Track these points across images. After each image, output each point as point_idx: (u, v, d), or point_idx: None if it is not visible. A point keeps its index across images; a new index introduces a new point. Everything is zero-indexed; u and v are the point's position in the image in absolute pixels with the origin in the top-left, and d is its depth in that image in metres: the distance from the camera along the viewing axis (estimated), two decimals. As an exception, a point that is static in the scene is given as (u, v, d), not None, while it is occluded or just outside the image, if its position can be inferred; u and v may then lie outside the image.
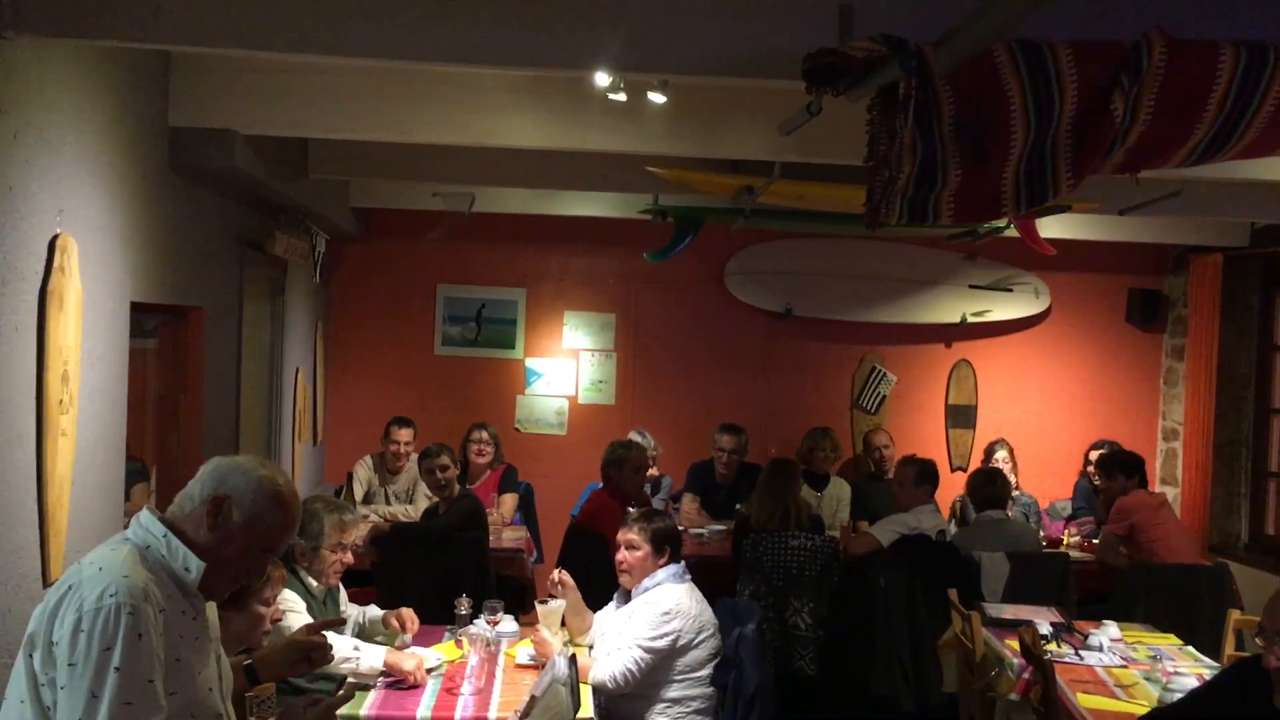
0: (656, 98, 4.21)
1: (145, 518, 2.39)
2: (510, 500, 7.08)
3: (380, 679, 3.90)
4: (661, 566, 4.33)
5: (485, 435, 7.17)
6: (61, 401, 3.34)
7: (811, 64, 2.76)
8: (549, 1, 3.09)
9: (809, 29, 2.99)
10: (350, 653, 3.83)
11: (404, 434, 7.08)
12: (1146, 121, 2.74)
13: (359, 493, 7.03)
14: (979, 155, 2.76)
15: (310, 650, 3.16)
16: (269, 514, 2.44)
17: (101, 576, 2.23)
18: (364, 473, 7.09)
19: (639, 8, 3.10)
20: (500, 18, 3.10)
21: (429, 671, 4.01)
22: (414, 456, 7.07)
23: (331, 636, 3.67)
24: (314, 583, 4.15)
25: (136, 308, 4.17)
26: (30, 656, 2.23)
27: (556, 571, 4.52)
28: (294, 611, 3.82)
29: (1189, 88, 2.71)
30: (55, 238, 3.32)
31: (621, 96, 4.11)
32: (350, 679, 3.86)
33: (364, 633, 4.40)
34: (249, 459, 2.50)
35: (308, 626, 3.38)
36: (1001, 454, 7.63)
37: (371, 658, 3.88)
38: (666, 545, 4.35)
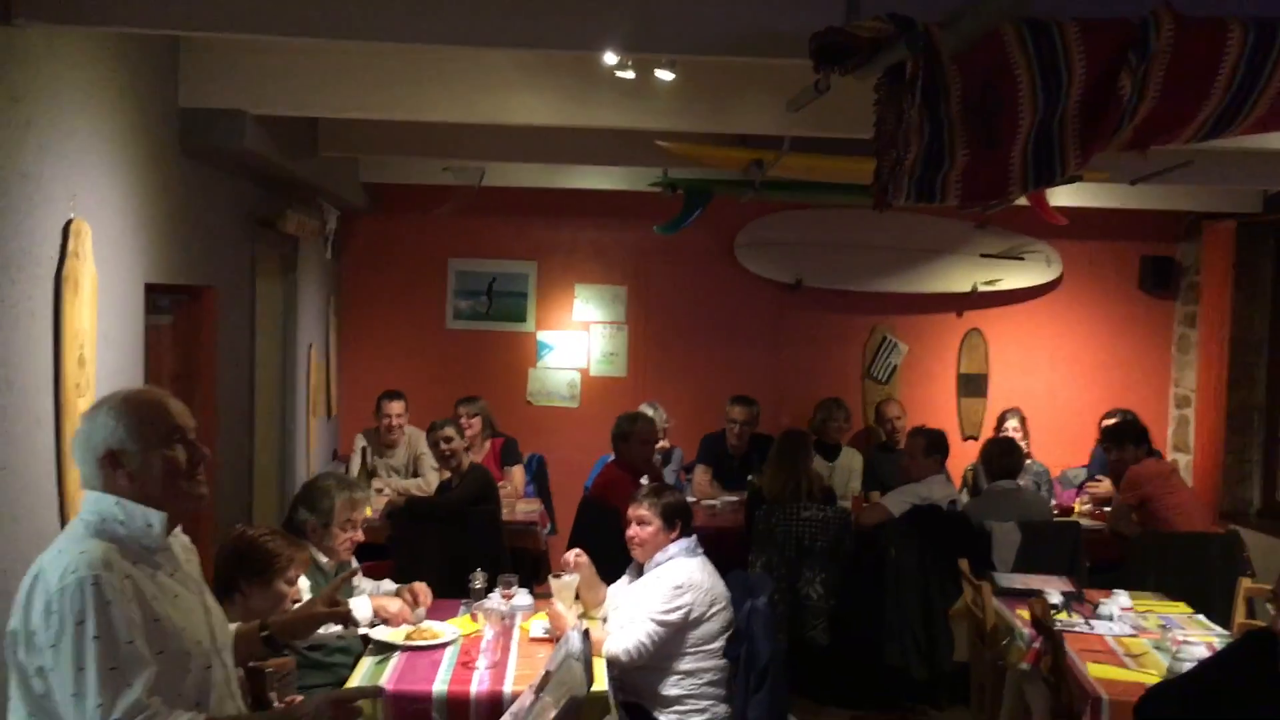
0: (665, 75, 4.21)
1: (90, 496, 2.41)
2: (519, 472, 7.12)
3: (398, 653, 3.98)
4: (673, 541, 4.37)
5: (461, 410, 7.06)
6: (79, 385, 3.38)
7: (819, 43, 2.76)
8: (556, -17, 3.10)
9: (816, 7, 2.98)
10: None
11: (395, 406, 7.12)
12: (1154, 99, 2.74)
13: (358, 466, 7.07)
14: (987, 135, 2.76)
15: (331, 620, 3.17)
16: (139, 420, 2.42)
17: (60, 558, 2.28)
18: (361, 447, 7.15)
19: (646, -12, 3.11)
20: (507, 0, 3.10)
21: (445, 645, 4.08)
22: (410, 430, 7.12)
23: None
24: (324, 559, 4.20)
25: (150, 289, 4.20)
26: (15, 653, 2.28)
27: (571, 554, 4.56)
28: (304, 590, 3.86)
29: (1197, 65, 2.70)
30: (69, 222, 3.35)
31: (630, 74, 4.12)
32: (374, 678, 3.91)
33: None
34: (87, 413, 2.46)
35: (324, 596, 3.38)
36: (1013, 423, 7.63)
37: (362, 609, 3.96)
38: (677, 519, 4.39)
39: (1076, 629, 4.48)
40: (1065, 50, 2.68)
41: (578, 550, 4.58)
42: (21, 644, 2.27)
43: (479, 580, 4.57)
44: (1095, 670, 4.02)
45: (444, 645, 4.08)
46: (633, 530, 4.41)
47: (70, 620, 2.21)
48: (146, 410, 2.44)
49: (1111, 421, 7.21)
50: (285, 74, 4.47)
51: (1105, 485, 6.85)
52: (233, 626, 2.98)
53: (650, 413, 7.14)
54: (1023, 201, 6.65)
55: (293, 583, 3.48)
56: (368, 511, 4.60)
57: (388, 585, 4.55)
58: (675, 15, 3.14)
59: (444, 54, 4.45)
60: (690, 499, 6.86)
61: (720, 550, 5.01)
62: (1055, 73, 2.69)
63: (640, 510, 4.41)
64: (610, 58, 3.70)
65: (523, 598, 4.53)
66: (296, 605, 3.56)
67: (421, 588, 4.38)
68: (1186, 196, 7.38)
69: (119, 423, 2.40)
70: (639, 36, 3.17)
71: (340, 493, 4.19)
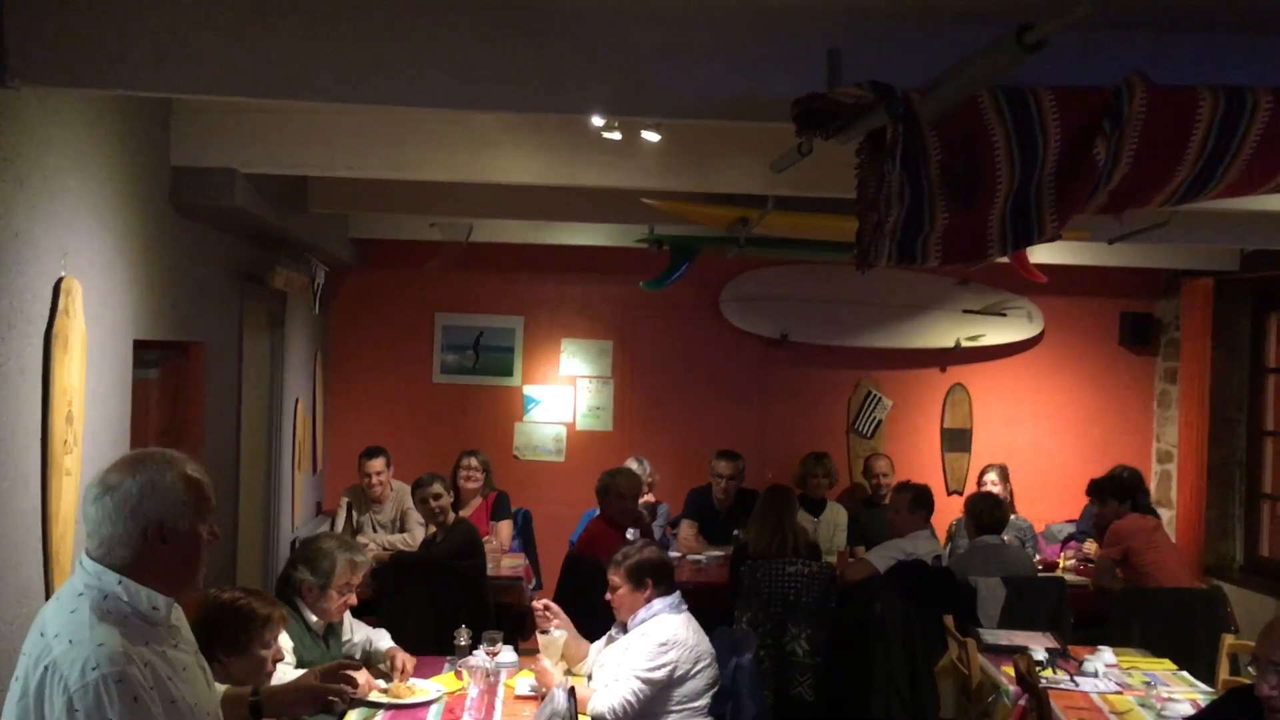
0: (651, 136, 4.28)
1: (92, 566, 2.33)
2: (506, 527, 7.11)
3: (382, 711, 3.96)
4: (647, 599, 4.35)
5: (474, 462, 7.19)
6: (66, 441, 3.39)
7: (801, 109, 2.82)
8: (544, 49, 3.15)
9: (798, 73, 3.05)
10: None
11: (374, 464, 7.07)
12: (1129, 164, 2.80)
13: (342, 523, 7.05)
14: (965, 199, 2.82)
15: (328, 695, 3.10)
16: (196, 500, 2.40)
17: (76, 651, 2.21)
18: (345, 503, 7.14)
19: (631, 54, 3.17)
20: (496, 65, 3.16)
21: (429, 703, 4.06)
22: (397, 485, 7.11)
23: (286, 670, 3.70)
24: (314, 619, 4.18)
25: (138, 345, 4.22)
26: None
27: (540, 603, 4.55)
28: (285, 649, 3.82)
29: (1170, 131, 2.77)
30: (60, 280, 3.38)
31: (616, 135, 4.18)
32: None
33: (368, 661, 4.43)
34: (137, 472, 2.37)
35: (323, 671, 3.30)
36: (991, 476, 7.63)
37: None
38: (646, 578, 4.36)
39: (1061, 686, 4.48)
40: (1041, 117, 2.75)
41: (546, 601, 4.57)
42: None
43: (463, 637, 4.55)
44: (1080, 728, 4.03)
45: (428, 703, 4.07)
46: (608, 595, 4.42)
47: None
48: (201, 491, 2.42)
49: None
50: (275, 133, 4.52)
51: (1093, 546, 6.87)
52: (221, 688, 2.97)
53: (636, 467, 7.16)
54: (1004, 259, 6.75)
55: (270, 645, 3.44)
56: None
57: (381, 642, 4.48)
58: (661, 81, 3.19)
59: (433, 114, 4.50)
60: (675, 554, 6.88)
61: (705, 606, 5.00)
62: (1031, 139, 2.76)
63: (610, 575, 4.42)
64: (597, 120, 3.77)
65: (507, 654, 4.51)
66: (279, 661, 3.55)
67: (403, 659, 4.34)
68: (1165, 254, 7.49)
69: (178, 498, 2.36)
70: (625, 101, 3.22)
71: (342, 554, 4.17)
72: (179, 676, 2.36)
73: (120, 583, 2.31)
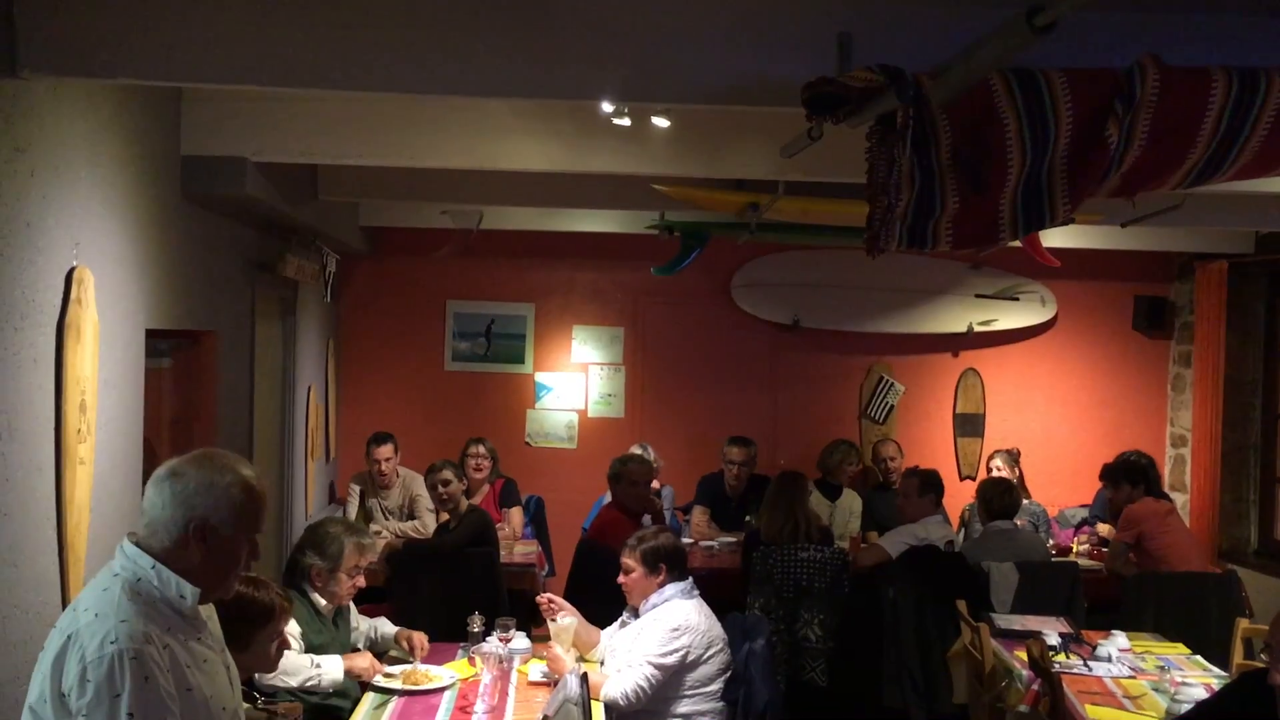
0: (660, 122, 4.27)
1: (130, 550, 2.38)
2: (517, 514, 7.12)
3: (396, 697, 3.98)
4: (662, 584, 4.36)
5: (481, 450, 7.16)
6: (80, 431, 3.40)
7: (811, 93, 2.80)
8: (553, 35, 3.14)
9: (808, 57, 3.02)
10: (311, 670, 3.85)
11: (383, 450, 7.06)
12: (1141, 147, 2.78)
13: (355, 510, 7.07)
14: (976, 183, 2.80)
15: None
16: (247, 510, 2.44)
17: (99, 624, 2.25)
18: (356, 490, 7.15)
19: (641, 40, 3.15)
20: (505, 51, 3.15)
21: (442, 689, 4.08)
22: (404, 472, 7.12)
23: (290, 655, 3.72)
24: (323, 602, 4.20)
25: (150, 334, 4.23)
26: (41, 707, 2.26)
27: (544, 598, 4.55)
28: (292, 636, 3.83)
29: (1182, 113, 2.75)
30: (72, 270, 3.38)
31: (626, 121, 4.17)
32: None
33: (374, 648, 4.45)
34: (201, 467, 2.43)
35: None
36: (996, 462, 7.60)
37: (333, 670, 3.92)
38: (660, 563, 4.37)
39: (1075, 670, 4.48)
40: (1052, 99, 2.72)
41: (549, 595, 4.58)
42: (50, 702, 2.25)
43: (476, 623, 4.56)
44: (1094, 712, 4.02)
45: (441, 690, 4.08)
46: (620, 577, 4.43)
47: (106, 692, 2.19)
48: (256, 503, 2.46)
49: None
50: (286, 122, 4.52)
51: (1106, 527, 6.86)
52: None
53: (641, 454, 7.15)
54: (1016, 243, 6.71)
55: (274, 638, 3.43)
56: (369, 556, 4.60)
57: (386, 627, 4.54)
58: (670, 65, 3.18)
59: (442, 102, 4.50)
60: (688, 540, 6.89)
61: (718, 592, 5.01)
62: (1043, 121, 2.74)
63: (624, 558, 4.43)
64: (607, 106, 3.75)
65: (520, 641, 4.52)
66: (285, 649, 3.54)
67: (419, 638, 4.37)
68: (1179, 237, 7.45)
69: (230, 502, 2.40)
70: (635, 86, 3.21)
71: (349, 538, 4.20)
72: (199, 667, 2.38)
73: (154, 567, 2.37)
